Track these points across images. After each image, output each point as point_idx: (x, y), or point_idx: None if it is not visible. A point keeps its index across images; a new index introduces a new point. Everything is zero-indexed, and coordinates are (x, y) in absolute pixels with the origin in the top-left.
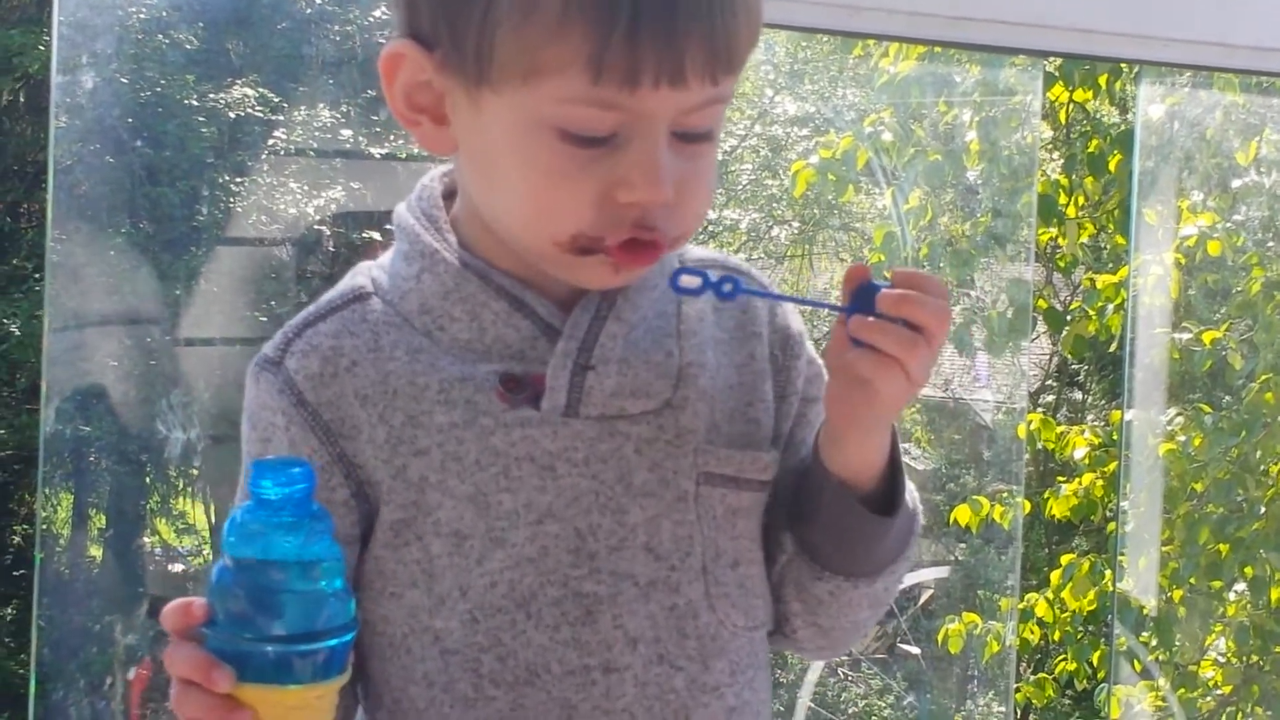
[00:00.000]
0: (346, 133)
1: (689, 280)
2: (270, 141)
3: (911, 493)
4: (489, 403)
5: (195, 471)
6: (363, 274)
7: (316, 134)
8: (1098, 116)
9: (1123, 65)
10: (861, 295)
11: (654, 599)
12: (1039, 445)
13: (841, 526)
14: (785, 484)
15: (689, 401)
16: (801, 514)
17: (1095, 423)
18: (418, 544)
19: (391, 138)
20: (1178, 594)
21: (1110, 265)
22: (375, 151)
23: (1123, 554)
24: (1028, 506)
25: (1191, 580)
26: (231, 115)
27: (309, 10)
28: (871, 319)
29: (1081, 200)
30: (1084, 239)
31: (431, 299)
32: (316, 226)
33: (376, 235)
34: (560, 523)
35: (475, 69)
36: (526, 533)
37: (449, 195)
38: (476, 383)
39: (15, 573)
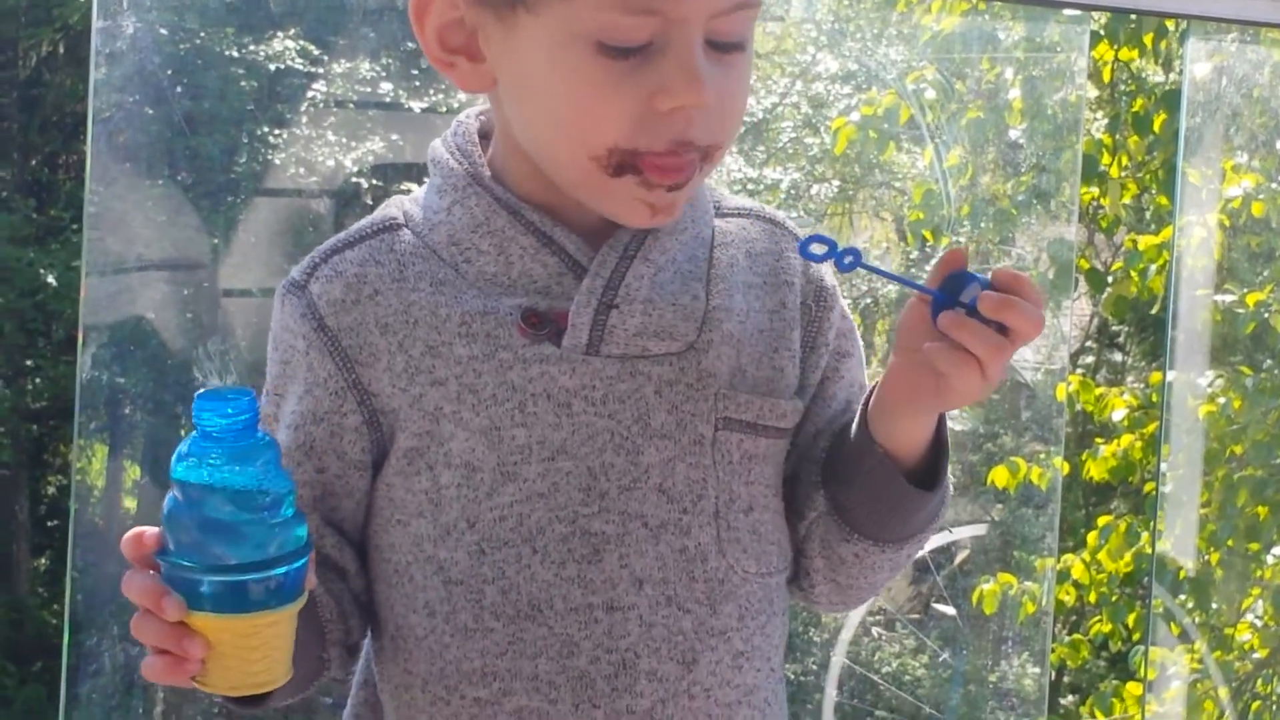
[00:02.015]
0: (386, 85)
1: (818, 247)
2: (309, 93)
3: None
4: (509, 337)
5: None
6: (394, 206)
7: (356, 86)
8: (1143, 76)
9: (1169, 23)
10: (953, 283)
11: (664, 540)
12: (1078, 407)
13: (880, 496)
14: (819, 440)
15: (713, 345)
16: (839, 476)
17: (1135, 384)
18: (428, 473)
19: (431, 91)
20: (1215, 556)
21: (1153, 226)
22: (415, 105)
23: (1160, 515)
24: (1066, 468)
25: (1229, 543)
26: (271, 67)
27: None
28: (965, 317)
29: (1125, 160)
30: (1126, 199)
31: (460, 231)
32: (354, 179)
33: (415, 188)
34: (573, 460)
35: None
36: (538, 468)
37: (484, 136)
38: (498, 317)
39: (49, 523)
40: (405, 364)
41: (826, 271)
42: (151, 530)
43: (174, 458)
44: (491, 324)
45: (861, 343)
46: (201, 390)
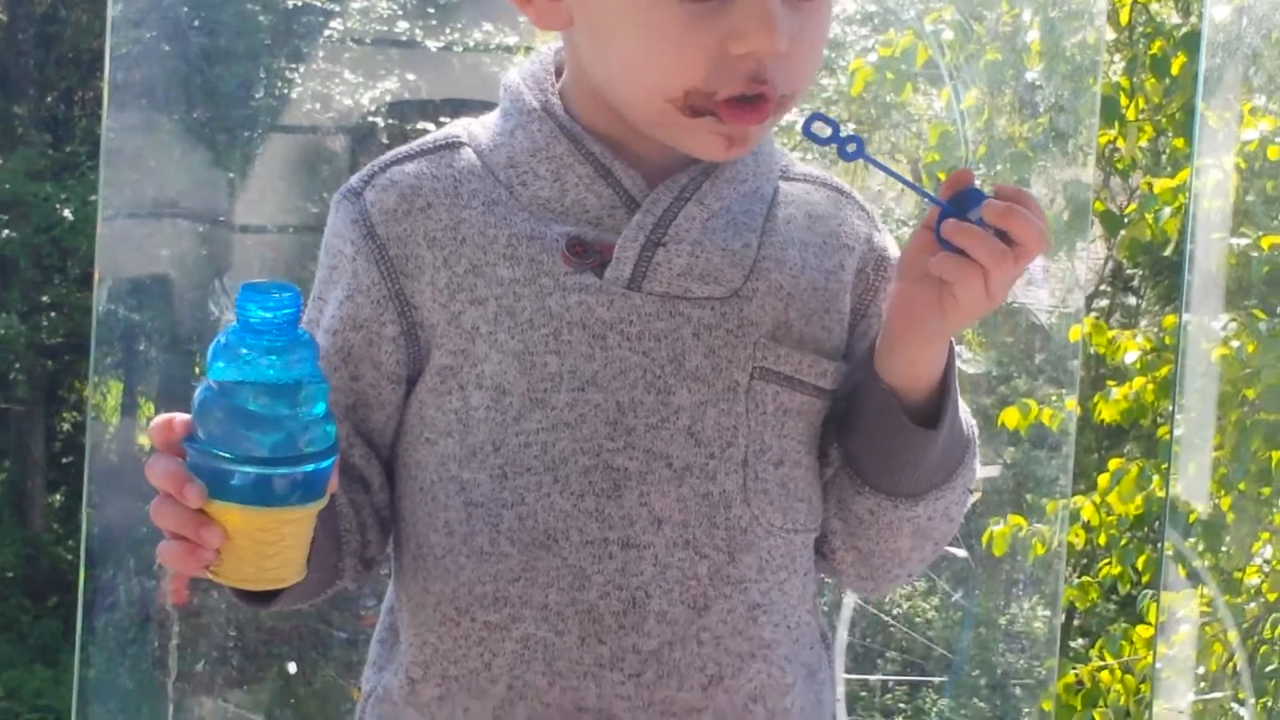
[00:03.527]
0: (403, 24)
1: (820, 127)
2: (327, 30)
3: (968, 422)
4: (552, 263)
5: None
6: (460, 125)
7: (373, 24)
8: (1160, 18)
9: None
10: (960, 200)
11: (687, 483)
12: (1090, 350)
13: (885, 438)
14: (841, 398)
15: (758, 294)
16: (849, 423)
17: (1149, 328)
18: (459, 393)
19: (448, 30)
20: (1226, 501)
21: (1169, 169)
22: (431, 43)
23: (1174, 459)
24: (1078, 410)
25: (1241, 486)
26: (289, 3)
27: None
28: (968, 225)
29: (1142, 103)
30: (1143, 142)
31: (520, 154)
32: (371, 117)
33: (431, 126)
34: (603, 393)
35: None
36: (567, 398)
37: (559, 73)
38: (544, 242)
39: (64, 460)
40: (448, 280)
41: (891, 244)
42: (182, 416)
43: (211, 347)
44: (537, 249)
45: None
46: (246, 282)
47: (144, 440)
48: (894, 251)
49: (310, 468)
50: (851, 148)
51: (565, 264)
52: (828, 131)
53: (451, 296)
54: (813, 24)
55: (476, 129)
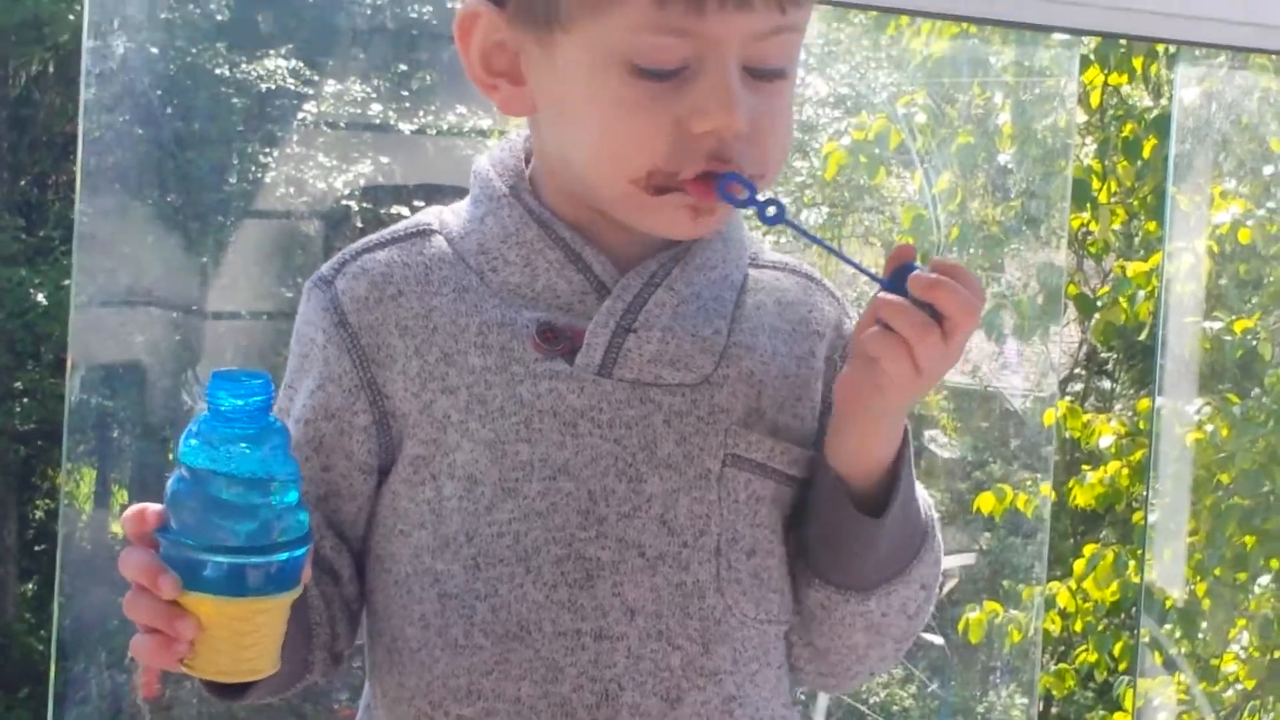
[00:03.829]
0: (376, 107)
1: (736, 189)
2: (300, 114)
3: (926, 513)
4: (523, 350)
5: None
6: (431, 213)
7: (347, 107)
8: (1132, 101)
9: (1158, 48)
10: (898, 277)
11: (660, 573)
12: (1065, 434)
13: (833, 527)
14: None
15: (729, 381)
16: (801, 513)
17: (1123, 412)
18: (431, 483)
19: (421, 113)
20: (1202, 587)
21: (1141, 252)
22: (404, 126)
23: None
24: (1053, 495)
25: (1216, 572)
26: (262, 87)
27: None
28: (895, 298)
29: (1114, 186)
30: (1116, 225)
31: (490, 240)
32: (345, 201)
33: (405, 211)
34: (574, 481)
35: (545, 11)
36: (539, 486)
37: (528, 159)
38: (515, 329)
39: (36, 548)
40: (420, 368)
41: None
42: (154, 507)
43: (183, 436)
44: (507, 335)
45: None
46: (218, 370)
47: (117, 529)
48: None
49: (284, 556)
50: (772, 211)
51: (536, 350)
52: (744, 194)
53: (423, 385)
54: (773, 105)
55: (447, 216)
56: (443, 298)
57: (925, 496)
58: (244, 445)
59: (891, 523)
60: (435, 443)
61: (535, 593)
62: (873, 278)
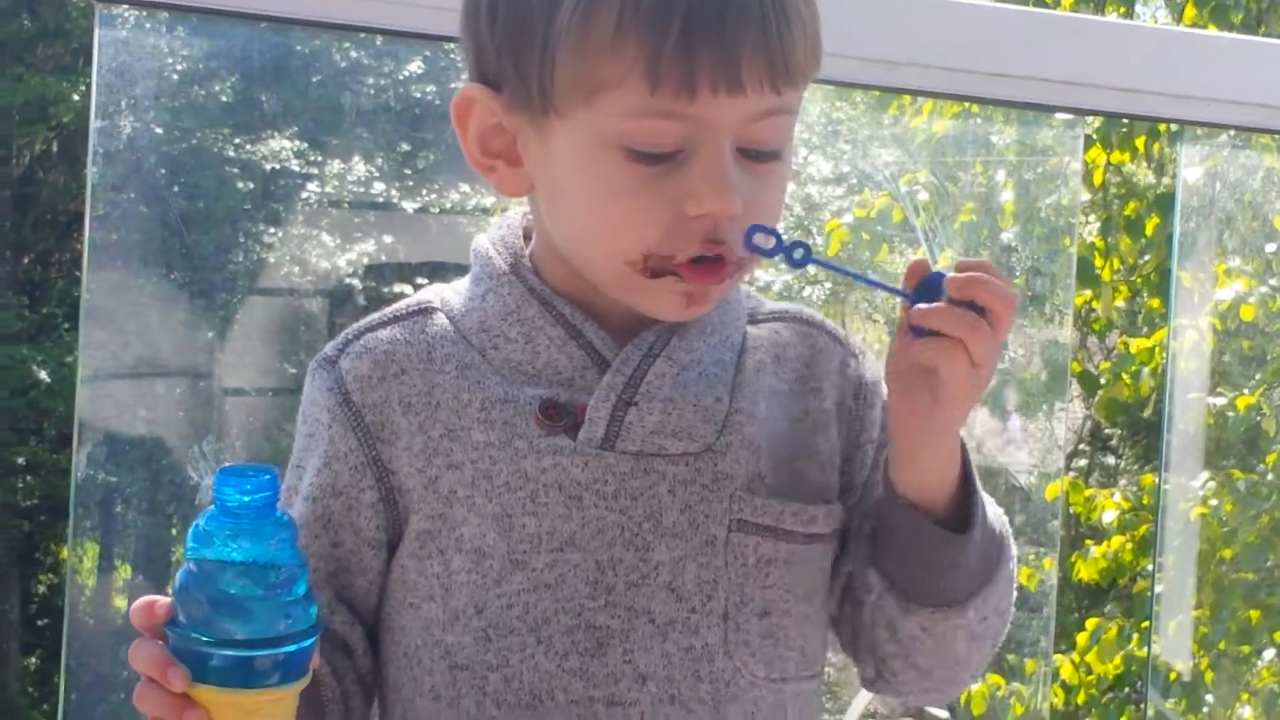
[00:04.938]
0: (380, 186)
1: (763, 239)
2: (304, 193)
3: (996, 514)
4: (526, 426)
5: None
6: (432, 291)
7: (350, 186)
8: (1134, 180)
9: (1160, 128)
10: (924, 288)
11: (670, 638)
12: (1069, 509)
13: (919, 551)
14: (865, 525)
15: (731, 448)
16: (880, 547)
17: (1127, 487)
18: (439, 557)
19: (424, 191)
20: (1205, 661)
21: (1145, 329)
22: (408, 205)
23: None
24: (1057, 570)
25: (1221, 646)
26: (266, 167)
27: (344, 63)
28: (936, 305)
29: (1117, 263)
30: (1119, 302)
31: (491, 318)
32: (348, 279)
33: (408, 289)
34: (582, 552)
35: (540, 97)
36: (547, 559)
37: (528, 236)
38: (517, 405)
39: (39, 622)
40: (424, 445)
41: (867, 367)
42: (163, 600)
43: (190, 531)
44: (510, 412)
45: None
46: (224, 465)
47: (121, 603)
48: (870, 374)
49: (292, 648)
50: (799, 253)
51: (539, 427)
52: (771, 243)
53: (428, 461)
54: (768, 185)
55: (448, 294)
56: (445, 375)
57: (989, 499)
58: (250, 540)
59: (977, 532)
60: (441, 517)
61: (547, 662)
62: (900, 294)
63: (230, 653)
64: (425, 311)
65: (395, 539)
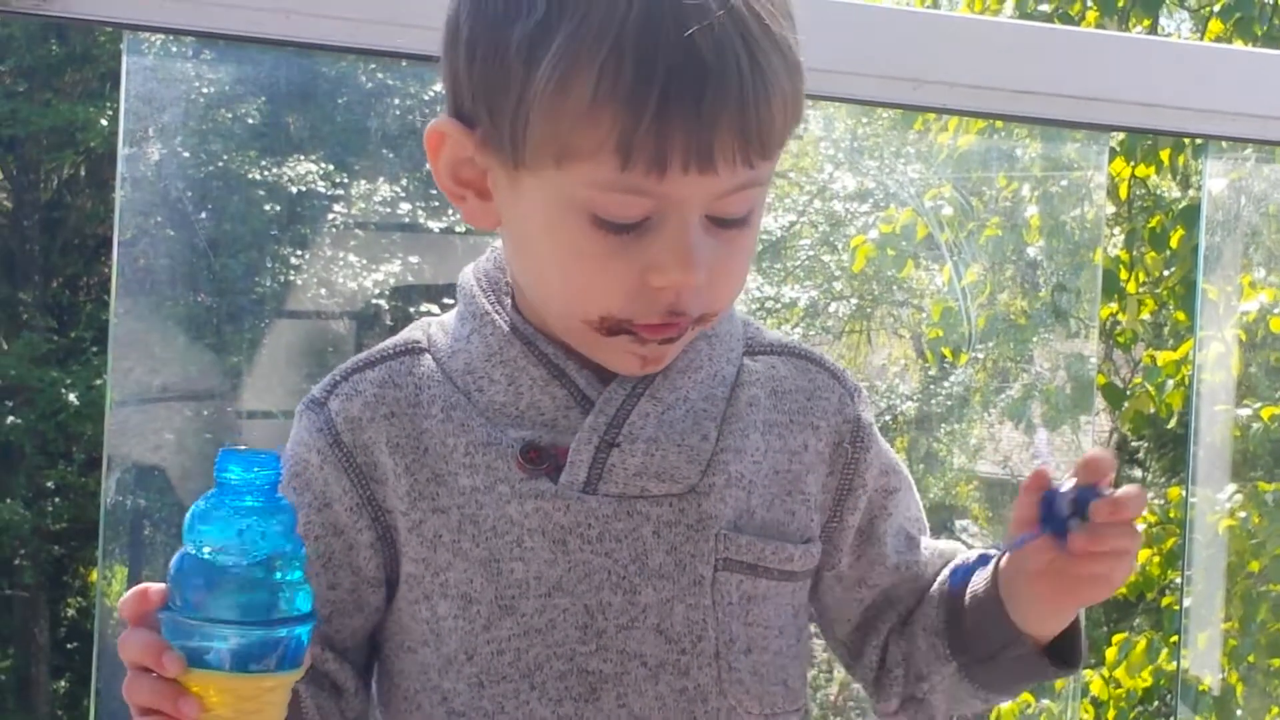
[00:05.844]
0: (405, 206)
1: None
2: (331, 215)
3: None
4: (508, 470)
5: None
6: (419, 329)
7: (376, 208)
8: (1159, 192)
9: (1185, 140)
10: (1049, 502)
11: (663, 680)
12: None
13: (1026, 676)
14: (904, 592)
15: (715, 488)
16: (976, 654)
17: (1154, 499)
18: (425, 603)
19: (449, 212)
20: (1234, 674)
21: (1170, 342)
22: (433, 225)
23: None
24: None
25: (1250, 659)
26: (293, 189)
27: (370, 85)
28: (1091, 533)
29: (1142, 276)
30: (1144, 315)
31: (476, 360)
32: (375, 300)
33: (435, 309)
34: (570, 597)
35: (511, 150)
36: (535, 604)
37: None
38: (500, 449)
39: (69, 645)
40: (410, 487)
41: (864, 408)
42: (156, 586)
43: (189, 513)
44: (493, 455)
45: (908, 474)
46: (225, 447)
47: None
48: (867, 415)
49: (289, 632)
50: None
51: (521, 471)
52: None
53: (413, 504)
54: (734, 249)
55: (435, 331)
56: (432, 419)
57: None
58: (251, 519)
59: (1080, 665)
60: (425, 562)
61: (541, 708)
62: (1046, 530)
63: (227, 636)
64: (412, 351)
65: (395, 577)
